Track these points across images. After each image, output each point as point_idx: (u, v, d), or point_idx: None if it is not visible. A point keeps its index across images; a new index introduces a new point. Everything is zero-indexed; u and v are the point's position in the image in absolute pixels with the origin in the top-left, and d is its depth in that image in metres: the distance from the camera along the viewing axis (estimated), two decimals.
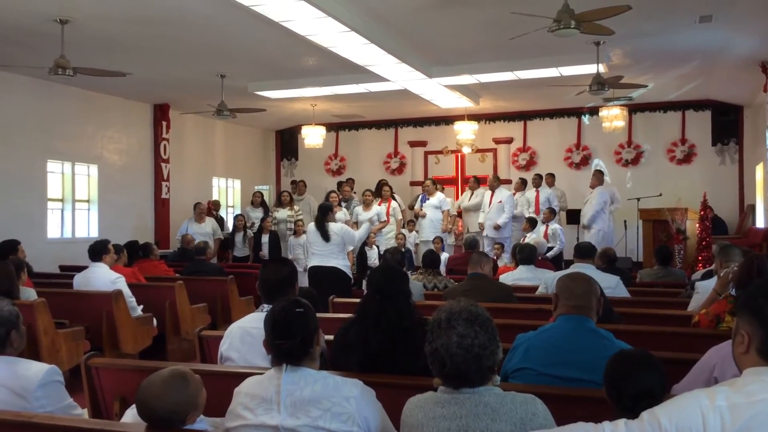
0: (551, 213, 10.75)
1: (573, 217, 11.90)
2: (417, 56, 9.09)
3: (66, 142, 10.70)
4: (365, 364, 3.06)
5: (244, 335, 3.28)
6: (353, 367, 3.06)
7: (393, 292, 3.23)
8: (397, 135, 14.90)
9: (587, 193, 11.63)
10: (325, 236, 7.40)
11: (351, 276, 7.77)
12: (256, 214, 11.94)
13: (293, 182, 13.83)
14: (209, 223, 11.26)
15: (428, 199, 11.12)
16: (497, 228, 11.02)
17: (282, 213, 11.54)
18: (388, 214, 10.63)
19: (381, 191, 11.08)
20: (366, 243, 9.87)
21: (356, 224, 9.80)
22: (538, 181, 11.85)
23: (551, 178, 11.99)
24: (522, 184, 12.05)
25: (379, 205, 10.51)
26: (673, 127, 12.94)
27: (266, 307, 3.29)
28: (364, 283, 7.49)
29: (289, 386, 2.36)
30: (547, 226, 10.50)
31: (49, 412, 2.70)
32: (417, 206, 11.32)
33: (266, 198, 14.01)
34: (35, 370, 2.77)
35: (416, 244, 11.08)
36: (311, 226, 7.65)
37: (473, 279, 5.36)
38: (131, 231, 11.23)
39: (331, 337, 3.33)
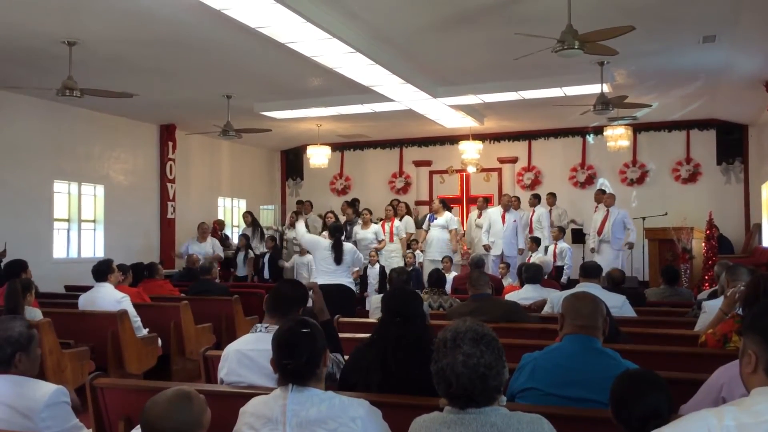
0: (560, 232, 10.73)
1: (579, 235, 11.87)
2: (422, 76, 9.14)
3: (73, 162, 10.76)
4: (384, 385, 3.06)
5: (242, 358, 3.22)
6: (372, 389, 3.05)
7: (411, 315, 3.25)
8: (402, 155, 14.94)
9: (592, 212, 11.63)
10: (338, 260, 7.43)
11: (356, 293, 7.81)
12: (250, 234, 12.10)
13: (299, 202, 13.87)
14: (209, 243, 11.33)
15: (436, 218, 11.15)
16: (521, 252, 11.09)
17: (291, 233, 11.56)
18: (391, 233, 10.69)
19: (396, 209, 11.23)
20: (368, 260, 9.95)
21: (355, 243, 9.93)
22: (537, 201, 11.81)
23: (552, 198, 11.99)
24: (536, 200, 11.99)
25: (388, 221, 10.66)
26: (678, 146, 12.95)
27: (260, 326, 3.27)
28: (367, 302, 7.51)
29: (295, 406, 2.35)
30: (556, 244, 10.50)
31: None
32: (425, 226, 11.33)
33: (271, 218, 14.09)
34: (43, 391, 2.76)
35: (420, 263, 11.08)
36: (324, 242, 7.60)
37: (476, 300, 5.30)
38: (137, 251, 11.26)
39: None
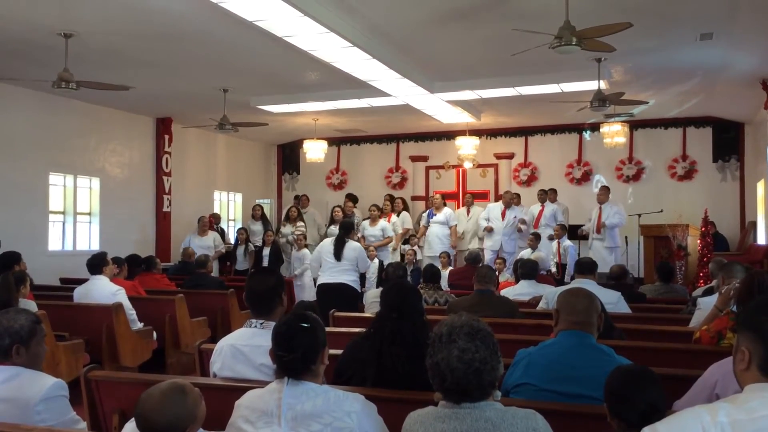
0: (562, 229, 10.68)
1: (575, 232, 11.88)
2: (419, 71, 9.13)
3: (68, 155, 10.73)
4: (379, 379, 3.06)
5: (236, 354, 3.18)
6: (368, 382, 3.05)
7: (409, 311, 3.23)
8: (399, 150, 14.93)
9: (589, 208, 11.65)
10: (338, 256, 7.35)
11: (359, 291, 7.74)
12: (257, 227, 12.00)
13: (296, 197, 13.85)
14: (211, 237, 11.33)
15: (435, 214, 11.18)
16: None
17: (286, 229, 11.60)
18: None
19: (393, 205, 11.28)
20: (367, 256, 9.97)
21: (363, 238, 9.98)
22: (543, 196, 11.88)
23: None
24: (544, 194, 11.99)
25: (381, 218, 10.68)
26: (674, 143, 12.97)
27: (254, 322, 3.20)
28: (364, 296, 7.51)
29: (290, 400, 2.35)
30: (559, 243, 10.44)
31: (50, 426, 2.68)
32: (423, 222, 11.37)
33: (267, 212, 14.06)
34: (41, 383, 2.75)
35: (418, 260, 11.10)
36: (327, 241, 7.63)
37: (481, 295, 5.31)
38: (132, 244, 11.23)
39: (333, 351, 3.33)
